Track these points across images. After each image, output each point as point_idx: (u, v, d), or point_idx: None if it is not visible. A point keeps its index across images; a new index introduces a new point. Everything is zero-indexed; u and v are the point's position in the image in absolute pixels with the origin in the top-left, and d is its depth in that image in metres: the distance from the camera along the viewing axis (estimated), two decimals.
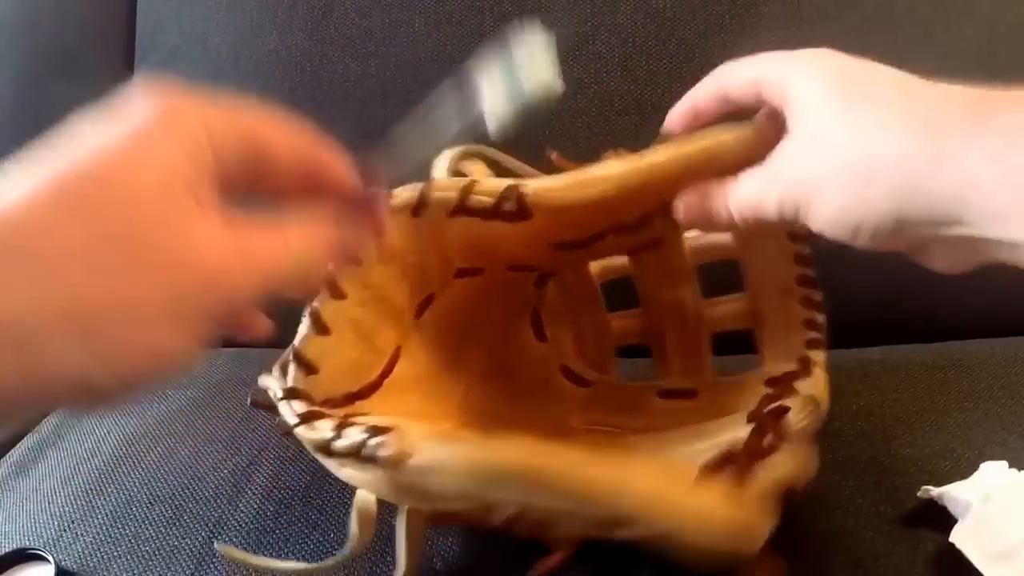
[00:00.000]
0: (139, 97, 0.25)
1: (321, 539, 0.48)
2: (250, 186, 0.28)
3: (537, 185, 0.41)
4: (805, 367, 0.43)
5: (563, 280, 0.54)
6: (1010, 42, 0.62)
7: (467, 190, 0.41)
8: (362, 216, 0.30)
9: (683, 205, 0.39)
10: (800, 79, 0.34)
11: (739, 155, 0.36)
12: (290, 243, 0.27)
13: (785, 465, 0.38)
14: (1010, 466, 0.45)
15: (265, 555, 0.47)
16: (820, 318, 0.46)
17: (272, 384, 0.40)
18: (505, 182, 0.41)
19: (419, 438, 0.35)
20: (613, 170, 0.39)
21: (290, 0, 0.63)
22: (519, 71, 0.24)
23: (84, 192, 0.23)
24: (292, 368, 0.40)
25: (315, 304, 0.42)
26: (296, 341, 0.41)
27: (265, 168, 0.28)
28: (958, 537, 0.42)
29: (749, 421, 0.41)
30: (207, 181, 0.25)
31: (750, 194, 0.36)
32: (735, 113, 0.37)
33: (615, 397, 0.54)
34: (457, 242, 0.45)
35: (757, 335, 0.50)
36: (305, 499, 0.51)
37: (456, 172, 0.45)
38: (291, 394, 0.39)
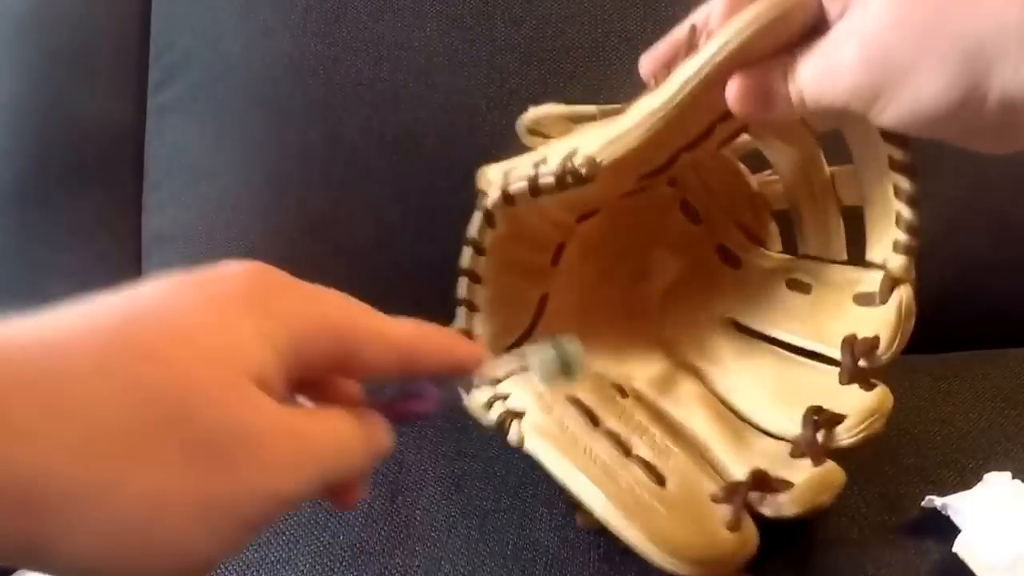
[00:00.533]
0: (233, 268, 0.24)
1: (331, 541, 0.48)
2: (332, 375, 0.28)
3: (586, 153, 0.41)
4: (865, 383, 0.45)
5: (700, 167, 0.53)
6: None
7: (535, 178, 0.44)
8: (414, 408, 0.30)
9: (735, 91, 0.34)
10: None
11: (796, 22, 0.32)
12: (336, 427, 0.25)
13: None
14: (1014, 476, 0.45)
15: (273, 557, 0.48)
16: (908, 213, 0.43)
17: None
18: (561, 154, 0.43)
19: None
20: (645, 110, 0.39)
21: (304, 4, 0.64)
22: (561, 348, 0.32)
23: (137, 362, 0.20)
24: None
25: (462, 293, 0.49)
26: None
27: (351, 363, 0.26)
28: (962, 547, 0.42)
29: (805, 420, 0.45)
30: (279, 370, 0.23)
31: (815, 77, 0.32)
32: None
33: (754, 283, 0.54)
34: (555, 207, 0.48)
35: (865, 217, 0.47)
36: (314, 500, 0.51)
37: (534, 131, 0.50)
38: None
